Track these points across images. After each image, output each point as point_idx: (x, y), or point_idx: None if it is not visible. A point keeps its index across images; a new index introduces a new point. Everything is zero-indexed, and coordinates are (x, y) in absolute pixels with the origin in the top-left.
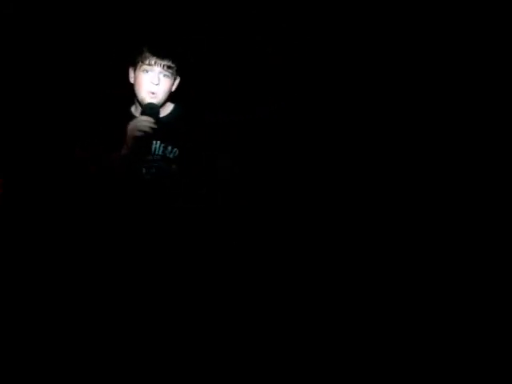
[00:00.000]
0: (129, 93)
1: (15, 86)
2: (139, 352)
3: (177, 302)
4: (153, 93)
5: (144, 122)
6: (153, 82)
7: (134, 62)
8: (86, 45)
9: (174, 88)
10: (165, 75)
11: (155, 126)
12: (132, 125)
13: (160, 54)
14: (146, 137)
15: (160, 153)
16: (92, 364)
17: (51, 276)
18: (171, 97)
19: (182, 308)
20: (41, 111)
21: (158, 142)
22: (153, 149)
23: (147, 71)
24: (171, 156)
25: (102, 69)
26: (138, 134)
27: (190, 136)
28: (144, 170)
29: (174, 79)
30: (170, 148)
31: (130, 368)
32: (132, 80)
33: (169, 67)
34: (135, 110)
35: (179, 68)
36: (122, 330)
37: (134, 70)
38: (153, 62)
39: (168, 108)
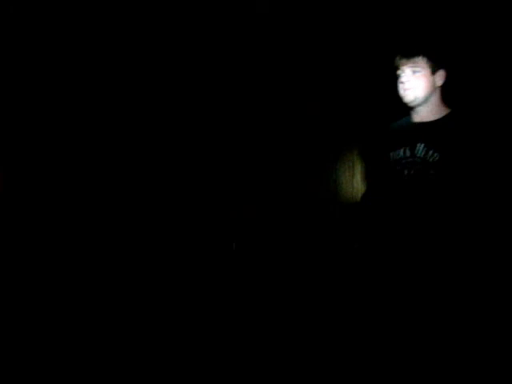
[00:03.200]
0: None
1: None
2: (140, 352)
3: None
4: (406, 90)
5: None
6: (402, 81)
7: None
8: None
9: (439, 82)
10: (414, 72)
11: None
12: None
13: (404, 54)
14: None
15: (421, 155)
16: (92, 364)
17: (52, 274)
18: (442, 94)
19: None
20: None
21: (422, 144)
22: (416, 150)
23: (399, 75)
24: (431, 160)
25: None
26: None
27: (458, 143)
28: (406, 172)
29: (433, 73)
30: (431, 152)
31: (131, 368)
32: None
33: (416, 62)
34: (411, 113)
35: (436, 60)
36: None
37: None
38: (401, 64)
39: (442, 111)
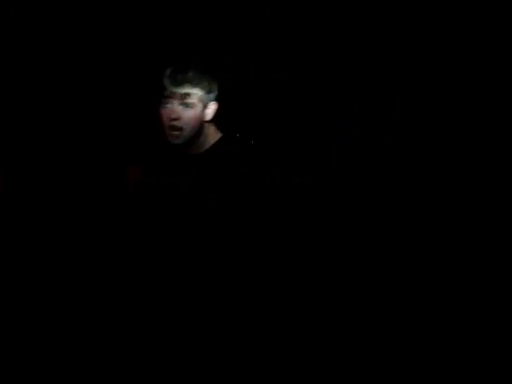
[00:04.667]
0: None
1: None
2: (139, 352)
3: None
4: (179, 128)
5: (134, 172)
6: (171, 117)
7: (158, 92)
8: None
9: (209, 117)
10: (186, 105)
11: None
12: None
13: (176, 82)
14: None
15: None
16: (92, 364)
17: (51, 273)
18: (215, 125)
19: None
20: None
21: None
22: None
23: (166, 105)
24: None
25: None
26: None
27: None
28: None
29: (204, 107)
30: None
31: (130, 368)
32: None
33: (189, 94)
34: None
35: (209, 93)
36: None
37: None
38: (170, 92)
39: (210, 139)
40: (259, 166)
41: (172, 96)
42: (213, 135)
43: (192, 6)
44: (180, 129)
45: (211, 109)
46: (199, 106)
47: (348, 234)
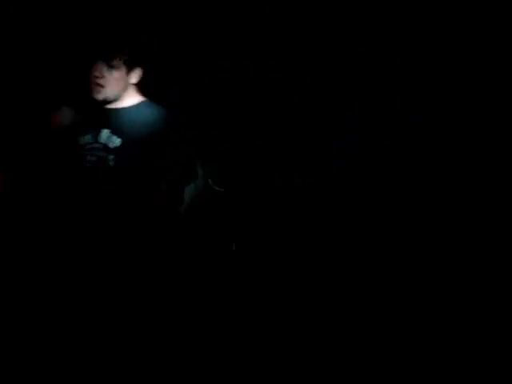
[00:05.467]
0: None
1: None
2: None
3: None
4: (101, 86)
5: (63, 113)
6: (95, 75)
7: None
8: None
9: (134, 80)
10: (110, 67)
11: (74, 119)
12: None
13: (100, 47)
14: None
15: (103, 141)
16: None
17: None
18: (138, 89)
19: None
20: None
21: (106, 130)
22: (99, 137)
23: (92, 66)
24: (111, 146)
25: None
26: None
27: (139, 129)
28: (88, 158)
29: (129, 71)
30: (114, 137)
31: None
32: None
33: (111, 58)
34: None
35: (134, 59)
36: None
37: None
38: (96, 57)
39: (132, 99)
40: (259, 166)
41: (98, 58)
42: (133, 97)
43: (192, 6)
44: (102, 86)
45: (136, 73)
46: (123, 69)
47: (348, 234)
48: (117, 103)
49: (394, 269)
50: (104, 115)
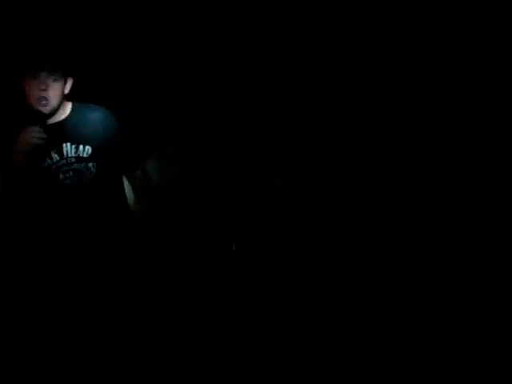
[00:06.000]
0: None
1: None
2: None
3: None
4: (45, 99)
5: (31, 133)
6: (41, 88)
7: (23, 73)
8: None
9: (67, 91)
10: (52, 79)
11: (44, 136)
12: (21, 138)
13: (43, 59)
14: (37, 148)
15: (73, 154)
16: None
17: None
18: (67, 97)
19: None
20: None
21: (69, 143)
22: (64, 152)
23: (35, 78)
24: (85, 155)
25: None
26: (27, 147)
27: (99, 133)
28: (61, 176)
29: (65, 82)
30: (81, 147)
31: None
32: (25, 89)
33: (54, 70)
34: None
35: (67, 70)
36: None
37: (24, 80)
38: (38, 68)
39: (67, 108)
40: (259, 166)
41: (42, 70)
42: (67, 105)
43: (192, 6)
44: (46, 99)
45: (69, 83)
46: (62, 81)
47: (348, 234)
48: (55, 117)
49: (393, 268)
50: (52, 132)
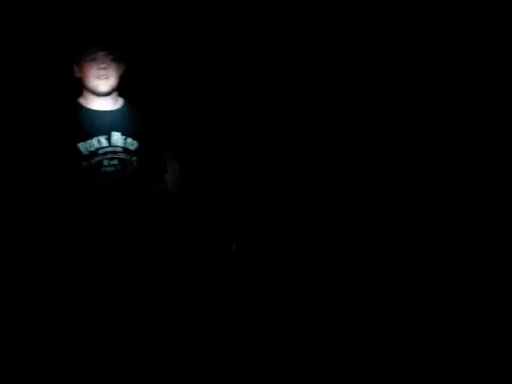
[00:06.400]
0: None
1: None
2: (137, 352)
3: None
4: (106, 77)
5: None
6: (101, 67)
7: (77, 56)
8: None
9: (120, 73)
10: (111, 59)
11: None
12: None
13: (101, 40)
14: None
15: (121, 144)
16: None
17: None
18: (119, 86)
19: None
20: None
21: (119, 133)
22: (113, 140)
23: (94, 59)
24: (131, 148)
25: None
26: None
27: (148, 131)
28: (106, 162)
29: (119, 64)
30: (129, 140)
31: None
32: (78, 74)
33: (111, 51)
34: (84, 100)
35: (121, 54)
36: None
37: (79, 64)
38: (96, 50)
39: (119, 101)
40: (259, 166)
41: (101, 50)
42: (119, 99)
43: (192, 6)
44: (106, 77)
45: (123, 67)
46: (118, 62)
47: (348, 234)
48: (108, 104)
49: (393, 268)
50: (104, 118)
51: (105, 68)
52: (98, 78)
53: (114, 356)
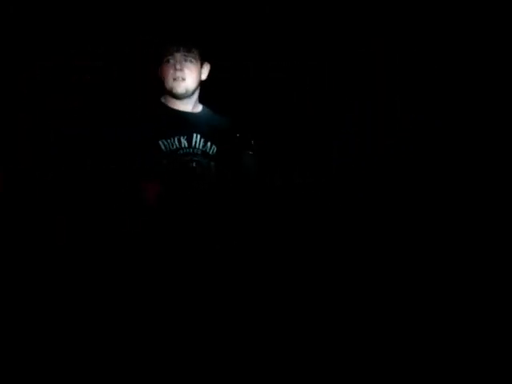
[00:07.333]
0: (156, 88)
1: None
2: (140, 352)
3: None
4: (182, 78)
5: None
6: (176, 68)
7: (156, 58)
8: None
9: (204, 76)
10: (187, 60)
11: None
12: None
13: (178, 40)
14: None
15: (201, 147)
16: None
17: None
18: (202, 88)
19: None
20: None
21: (199, 135)
22: (193, 142)
23: (169, 60)
24: (211, 152)
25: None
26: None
27: (226, 137)
28: (186, 164)
29: (201, 65)
30: (209, 144)
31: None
32: (158, 74)
33: (189, 51)
34: (165, 100)
35: (204, 53)
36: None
37: (158, 65)
38: (173, 50)
39: (199, 106)
40: (259, 167)
41: (176, 51)
42: (199, 104)
43: (192, 6)
44: (182, 78)
45: (206, 69)
46: (197, 64)
47: (348, 234)
48: (189, 106)
49: (393, 269)
50: (185, 119)
51: (181, 69)
52: (174, 78)
53: (115, 356)
